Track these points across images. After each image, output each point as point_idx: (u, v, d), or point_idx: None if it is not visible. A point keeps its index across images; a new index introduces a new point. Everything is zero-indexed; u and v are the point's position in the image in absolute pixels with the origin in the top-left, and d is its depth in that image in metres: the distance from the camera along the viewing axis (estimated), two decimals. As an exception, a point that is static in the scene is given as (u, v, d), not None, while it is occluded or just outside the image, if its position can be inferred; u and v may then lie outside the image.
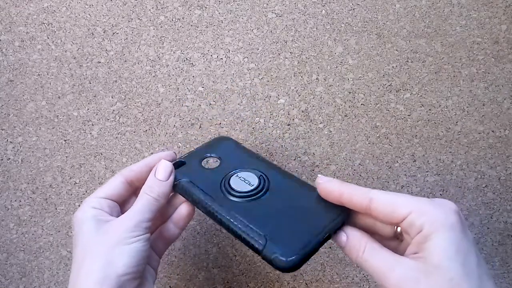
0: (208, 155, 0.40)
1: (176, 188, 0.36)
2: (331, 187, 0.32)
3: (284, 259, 0.28)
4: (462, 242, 0.26)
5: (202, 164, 0.39)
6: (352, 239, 0.30)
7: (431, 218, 0.27)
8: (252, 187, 0.35)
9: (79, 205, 0.46)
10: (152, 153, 0.46)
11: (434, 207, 0.28)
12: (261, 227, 0.31)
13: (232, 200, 0.34)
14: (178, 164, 0.38)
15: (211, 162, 0.40)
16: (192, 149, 0.42)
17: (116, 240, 0.32)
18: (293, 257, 0.28)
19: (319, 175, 0.33)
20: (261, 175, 0.37)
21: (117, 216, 0.34)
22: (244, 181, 0.36)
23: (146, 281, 0.34)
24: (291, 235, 0.30)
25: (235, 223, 0.32)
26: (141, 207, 0.34)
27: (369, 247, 0.29)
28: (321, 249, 0.46)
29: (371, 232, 0.32)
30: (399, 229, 0.30)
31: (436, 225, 0.27)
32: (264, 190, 0.35)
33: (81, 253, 0.32)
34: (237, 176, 0.36)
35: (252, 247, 0.31)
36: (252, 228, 0.31)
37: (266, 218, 0.32)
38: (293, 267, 0.28)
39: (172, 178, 0.36)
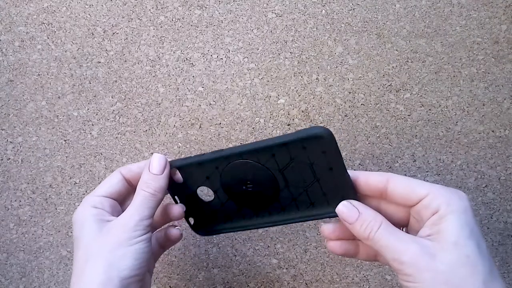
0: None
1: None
2: (354, 174, 0.32)
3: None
4: (475, 225, 0.28)
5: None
6: (366, 215, 0.30)
7: (448, 200, 0.28)
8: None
9: (79, 205, 0.46)
10: (152, 153, 0.46)
11: (450, 191, 0.29)
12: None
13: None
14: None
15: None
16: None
17: (118, 241, 0.31)
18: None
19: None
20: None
21: (118, 215, 0.34)
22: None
23: (146, 283, 0.34)
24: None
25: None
26: (140, 204, 0.33)
27: (384, 225, 0.29)
28: (321, 249, 0.46)
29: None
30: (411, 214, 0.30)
31: (452, 207, 0.28)
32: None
33: (83, 256, 0.31)
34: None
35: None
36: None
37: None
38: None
39: (167, 171, 0.35)
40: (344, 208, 0.30)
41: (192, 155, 0.36)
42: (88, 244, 0.32)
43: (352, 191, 0.31)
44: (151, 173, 0.34)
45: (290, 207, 0.35)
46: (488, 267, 0.26)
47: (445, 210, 0.28)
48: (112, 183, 0.36)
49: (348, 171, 0.31)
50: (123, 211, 0.34)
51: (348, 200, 0.31)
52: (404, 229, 0.32)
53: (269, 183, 0.34)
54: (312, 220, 0.34)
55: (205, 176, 0.36)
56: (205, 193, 0.39)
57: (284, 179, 0.34)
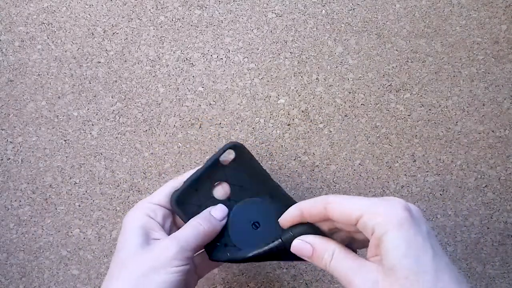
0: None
1: None
2: (289, 215, 0.32)
3: None
4: (414, 238, 0.26)
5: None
6: (318, 249, 0.30)
7: (380, 219, 0.27)
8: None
9: (79, 205, 0.46)
10: (152, 153, 0.46)
11: (384, 207, 0.27)
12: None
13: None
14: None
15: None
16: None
17: (153, 266, 0.30)
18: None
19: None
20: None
21: (169, 230, 0.33)
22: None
23: None
24: None
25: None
26: (189, 233, 0.33)
27: (337, 254, 0.29)
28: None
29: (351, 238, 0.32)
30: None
31: (386, 225, 0.26)
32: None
33: (119, 265, 0.31)
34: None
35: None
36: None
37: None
38: None
39: (224, 220, 0.35)
40: (299, 245, 0.31)
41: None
42: (126, 257, 0.31)
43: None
44: (212, 215, 0.35)
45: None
46: (432, 277, 0.25)
47: (379, 230, 0.27)
48: (165, 192, 0.35)
49: (289, 212, 0.32)
50: (175, 227, 0.33)
51: (300, 237, 0.31)
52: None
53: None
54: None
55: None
56: None
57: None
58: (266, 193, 0.37)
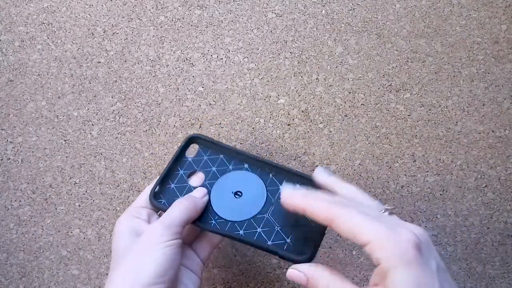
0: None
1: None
2: (294, 202, 0.31)
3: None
4: (422, 277, 0.25)
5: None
6: (312, 280, 0.30)
7: (388, 254, 0.26)
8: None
9: (79, 205, 0.46)
10: (152, 153, 0.46)
11: (393, 242, 0.26)
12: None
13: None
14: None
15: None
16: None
17: (145, 247, 0.32)
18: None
19: (282, 185, 0.34)
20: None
21: None
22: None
23: (184, 286, 0.34)
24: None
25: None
26: (174, 210, 0.34)
27: (332, 285, 0.29)
28: (321, 249, 0.46)
29: None
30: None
31: (393, 261, 0.26)
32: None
33: (113, 263, 0.32)
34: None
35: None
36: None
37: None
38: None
39: (206, 198, 0.37)
40: (292, 274, 0.31)
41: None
42: (120, 253, 0.32)
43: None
44: (193, 196, 0.36)
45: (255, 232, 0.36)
46: None
47: (386, 264, 0.26)
48: (148, 193, 0.37)
49: (295, 198, 0.33)
50: None
51: (294, 266, 0.31)
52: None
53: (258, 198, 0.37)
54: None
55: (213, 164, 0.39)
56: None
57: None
58: (239, 167, 0.39)
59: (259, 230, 0.36)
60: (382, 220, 0.28)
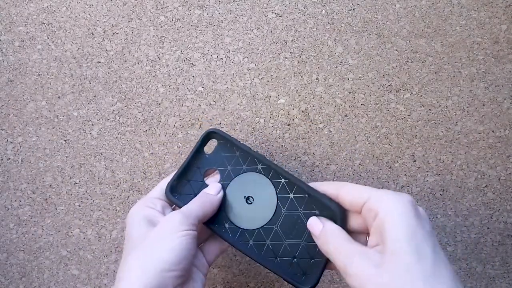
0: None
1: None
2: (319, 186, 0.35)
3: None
4: (416, 229, 0.27)
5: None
6: (326, 229, 0.32)
7: (385, 205, 0.28)
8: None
9: (79, 205, 0.46)
10: (152, 153, 0.46)
11: (391, 195, 0.29)
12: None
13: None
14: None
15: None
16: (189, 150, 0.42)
17: (161, 235, 0.32)
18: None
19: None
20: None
21: None
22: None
23: (194, 282, 0.34)
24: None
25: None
26: (193, 204, 0.35)
27: (339, 238, 0.31)
28: (321, 249, 0.46)
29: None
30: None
31: (391, 210, 0.28)
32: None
33: (128, 249, 0.32)
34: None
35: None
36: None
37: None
38: None
39: (221, 194, 0.37)
40: (313, 221, 0.33)
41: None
42: (135, 239, 0.32)
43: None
44: (208, 193, 0.37)
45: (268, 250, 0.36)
46: (429, 268, 0.26)
47: (384, 213, 0.28)
48: (162, 186, 0.37)
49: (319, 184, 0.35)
50: None
51: (318, 216, 0.34)
52: (367, 237, 0.32)
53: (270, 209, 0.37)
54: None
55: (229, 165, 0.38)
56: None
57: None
58: (253, 168, 0.38)
59: (267, 242, 0.36)
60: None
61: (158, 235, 0.32)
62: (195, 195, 0.37)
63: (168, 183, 0.37)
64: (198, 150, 0.39)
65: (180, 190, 0.38)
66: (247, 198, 0.37)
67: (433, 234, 0.28)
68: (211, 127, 0.40)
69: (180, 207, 0.36)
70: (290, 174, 0.37)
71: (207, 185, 0.38)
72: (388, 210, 0.28)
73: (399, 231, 0.27)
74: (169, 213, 0.34)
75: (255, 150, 0.39)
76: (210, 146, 0.40)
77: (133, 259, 0.31)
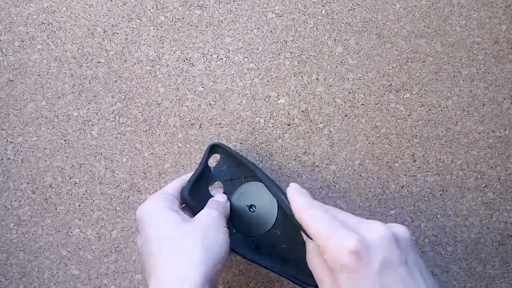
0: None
1: None
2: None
3: None
4: (359, 281, 0.26)
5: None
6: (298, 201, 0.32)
7: (329, 257, 0.28)
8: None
9: (79, 205, 0.46)
10: (152, 153, 0.46)
11: (332, 245, 0.28)
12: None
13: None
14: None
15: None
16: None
17: (208, 229, 0.32)
18: None
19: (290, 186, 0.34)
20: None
21: None
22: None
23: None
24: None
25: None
26: (218, 204, 0.36)
27: (317, 206, 0.31)
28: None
29: None
30: None
31: (333, 265, 0.27)
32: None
33: (159, 241, 0.31)
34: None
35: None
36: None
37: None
38: None
39: (228, 204, 0.38)
40: (294, 186, 0.34)
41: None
42: (169, 231, 0.32)
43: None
44: (217, 200, 0.38)
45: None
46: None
47: (331, 265, 0.28)
48: (175, 186, 0.37)
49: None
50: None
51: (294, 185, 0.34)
52: None
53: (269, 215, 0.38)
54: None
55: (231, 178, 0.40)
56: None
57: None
58: (251, 177, 0.39)
59: (273, 246, 0.36)
60: (337, 220, 0.29)
61: (205, 229, 0.32)
62: (205, 203, 0.37)
63: (186, 186, 0.37)
64: (205, 165, 0.40)
65: (193, 196, 0.38)
66: (249, 207, 0.38)
67: (383, 270, 0.27)
68: (213, 143, 0.41)
69: (194, 211, 0.36)
70: (279, 189, 0.37)
71: (212, 196, 0.39)
72: (332, 265, 0.28)
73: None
74: (206, 210, 0.35)
75: (251, 162, 0.40)
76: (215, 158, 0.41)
77: (191, 245, 0.30)
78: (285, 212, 0.36)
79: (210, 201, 0.37)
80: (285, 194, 0.35)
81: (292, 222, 0.35)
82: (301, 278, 0.34)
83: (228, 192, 0.39)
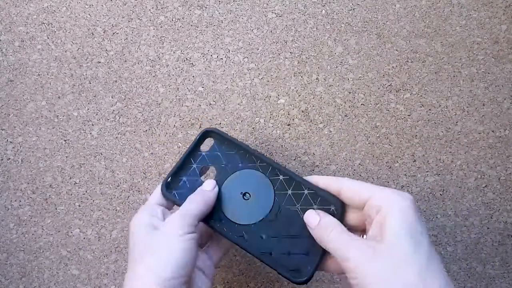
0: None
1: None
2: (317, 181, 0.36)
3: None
4: (415, 224, 0.29)
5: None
6: (323, 221, 0.33)
7: (389, 200, 0.30)
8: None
9: (79, 205, 0.46)
10: (152, 153, 0.46)
11: (393, 193, 0.31)
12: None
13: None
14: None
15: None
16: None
17: (164, 240, 0.32)
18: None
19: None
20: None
21: None
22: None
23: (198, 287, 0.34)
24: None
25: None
26: (188, 203, 0.35)
27: (336, 229, 0.31)
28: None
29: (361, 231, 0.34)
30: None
31: (393, 205, 0.29)
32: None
33: (134, 258, 0.32)
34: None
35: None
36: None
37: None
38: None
39: (216, 190, 0.37)
40: (309, 214, 0.34)
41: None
42: (140, 250, 0.33)
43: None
44: (202, 189, 0.37)
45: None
46: (425, 261, 0.27)
47: (387, 208, 0.29)
48: (159, 190, 0.37)
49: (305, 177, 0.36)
50: None
51: (311, 210, 0.34)
52: (363, 236, 0.34)
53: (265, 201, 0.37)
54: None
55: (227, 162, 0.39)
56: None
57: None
58: (250, 165, 0.39)
59: (263, 236, 0.36)
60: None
61: (160, 241, 0.32)
62: (192, 192, 0.37)
63: (164, 181, 0.38)
64: (194, 148, 0.39)
65: (176, 188, 0.38)
66: (243, 194, 0.37)
67: (427, 233, 0.29)
68: (208, 127, 0.40)
69: (178, 205, 0.36)
70: (290, 170, 0.37)
71: (202, 181, 0.38)
72: (391, 206, 0.29)
73: (400, 225, 0.28)
74: (168, 217, 0.34)
75: (254, 149, 0.39)
76: (208, 145, 0.40)
77: (141, 269, 0.31)
78: (281, 202, 0.36)
79: (193, 194, 0.37)
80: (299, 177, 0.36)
81: (288, 214, 0.35)
82: (288, 272, 0.34)
83: (222, 178, 0.38)
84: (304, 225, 0.35)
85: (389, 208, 0.29)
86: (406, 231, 0.28)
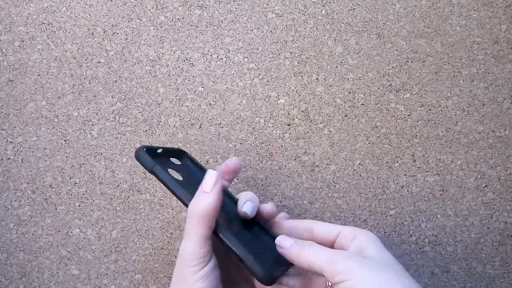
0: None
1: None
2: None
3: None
4: (383, 249, 0.33)
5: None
6: (299, 241, 0.34)
7: (362, 231, 0.34)
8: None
9: (79, 205, 0.46)
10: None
11: (359, 229, 0.34)
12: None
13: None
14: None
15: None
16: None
17: (181, 281, 0.32)
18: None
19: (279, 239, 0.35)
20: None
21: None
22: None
23: None
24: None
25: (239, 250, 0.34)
26: (191, 231, 0.32)
27: (314, 246, 0.33)
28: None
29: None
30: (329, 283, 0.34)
31: (366, 236, 0.33)
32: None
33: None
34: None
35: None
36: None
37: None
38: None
39: (218, 186, 0.33)
40: (280, 238, 0.34)
41: None
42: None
43: None
44: (202, 191, 0.32)
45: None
46: (401, 272, 0.31)
47: (361, 237, 0.33)
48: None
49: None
50: None
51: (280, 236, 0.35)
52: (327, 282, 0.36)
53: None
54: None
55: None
56: None
57: None
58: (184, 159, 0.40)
59: (243, 231, 0.36)
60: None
61: (179, 281, 0.32)
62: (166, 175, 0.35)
63: (143, 146, 0.36)
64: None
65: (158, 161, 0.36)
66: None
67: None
68: (140, 146, 0.37)
69: (148, 169, 0.35)
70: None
71: (172, 177, 0.35)
72: (364, 237, 0.33)
73: (376, 246, 0.32)
74: (180, 249, 0.32)
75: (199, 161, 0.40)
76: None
77: None
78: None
79: (193, 199, 0.33)
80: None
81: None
82: (256, 265, 0.33)
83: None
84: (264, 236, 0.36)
85: (364, 237, 0.33)
86: (381, 252, 0.32)
